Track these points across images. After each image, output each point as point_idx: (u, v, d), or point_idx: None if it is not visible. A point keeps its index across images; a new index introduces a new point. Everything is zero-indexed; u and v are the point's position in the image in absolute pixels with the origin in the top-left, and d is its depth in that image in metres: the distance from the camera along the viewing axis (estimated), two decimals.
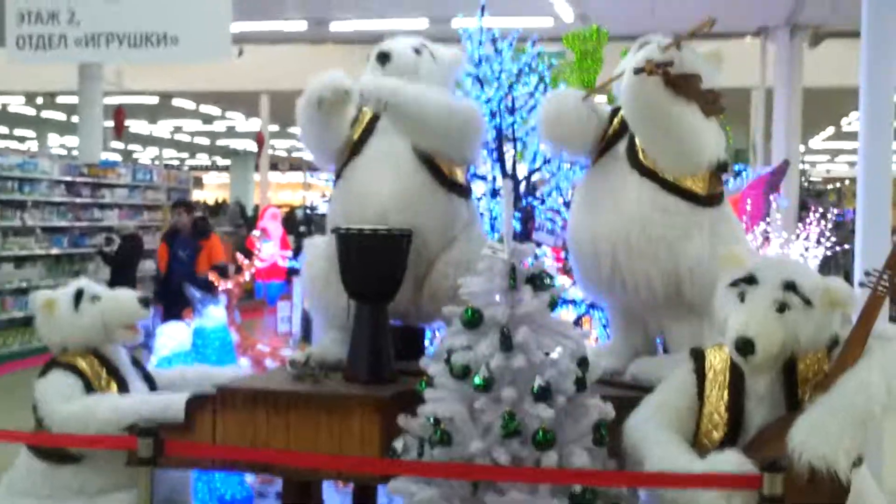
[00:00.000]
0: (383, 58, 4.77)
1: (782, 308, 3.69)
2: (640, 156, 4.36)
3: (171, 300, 10.66)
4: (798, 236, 7.18)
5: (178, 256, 11.70)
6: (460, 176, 4.82)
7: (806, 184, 14.73)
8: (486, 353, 3.70)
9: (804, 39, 12.63)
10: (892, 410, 3.57)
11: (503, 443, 3.62)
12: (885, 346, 3.65)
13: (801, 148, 28.43)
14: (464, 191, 4.87)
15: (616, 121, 4.51)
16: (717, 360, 3.90)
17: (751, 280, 3.76)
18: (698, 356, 3.96)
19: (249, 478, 5.92)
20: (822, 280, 3.83)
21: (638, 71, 4.06)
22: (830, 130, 27.66)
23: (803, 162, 24.70)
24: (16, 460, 4.85)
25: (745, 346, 3.63)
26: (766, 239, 6.93)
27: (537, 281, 3.81)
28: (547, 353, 3.74)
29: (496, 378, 3.68)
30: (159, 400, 4.59)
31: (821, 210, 8.61)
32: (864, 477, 3.81)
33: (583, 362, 3.81)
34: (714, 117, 4.33)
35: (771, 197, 7.97)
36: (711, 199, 4.39)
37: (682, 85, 4.14)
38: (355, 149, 4.75)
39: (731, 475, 3.41)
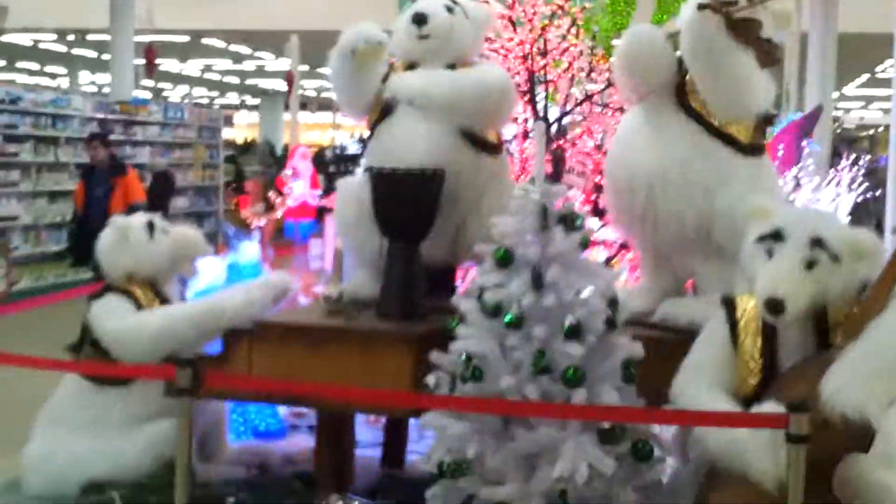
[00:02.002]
0: (419, 20, 4.80)
1: (810, 265, 3.69)
2: (689, 96, 4.37)
3: (87, 241, 10.23)
4: (829, 182, 7.16)
5: (94, 194, 10.93)
6: (492, 136, 4.88)
7: (839, 130, 14.59)
8: (518, 292, 3.76)
9: None
10: None
11: (533, 379, 3.70)
12: None
13: (835, 94, 28.22)
14: (494, 148, 4.91)
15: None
16: (749, 306, 3.92)
17: (777, 236, 3.77)
18: (729, 304, 3.98)
19: (283, 411, 6.04)
20: (849, 232, 3.84)
21: (702, 7, 4.07)
22: (864, 77, 27.32)
23: (836, 108, 24.43)
24: (56, 390, 4.99)
25: (775, 307, 3.65)
26: (798, 185, 6.92)
27: (568, 221, 3.86)
28: (577, 293, 3.80)
29: (527, 316, 3.74)
30: (204, 303, 4.80)
31: (853, 156, 8.57)
32: (892, 416, 3.86)
33: (613, 302, 3.87)
34: (767, 69, 4.35)
35: (803, 143, 7.94)
36: (753, 149, 4.41)
37: (744, 29, 4.16)
38: (386, 108, 4.79)
39: (757, 414, 3.47)
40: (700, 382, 3.81)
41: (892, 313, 3.58)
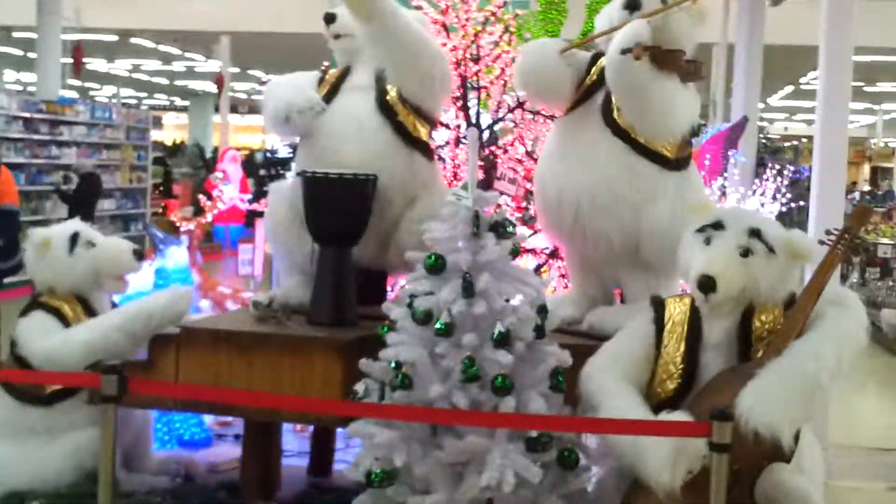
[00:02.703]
0: (328, 19, 4.85)
1: (746, 253, 3.81)
2: (615, 114, 4.42)
3: None
4: (754, 192, 7.30)
5: None
6: (424, 134, 4.86)
7: (764, 141, 14.87)
8: (448, 299, 3.76)
9: None
10: (840, 379, 3.69)
11: (463, 387, 3.70)
12: (839, 313, 3.73)
13: (761, 105, 28.73)
14: (426, 149, 4.91)
15: (594, 70, 4.54)
16: (677, 311, 3.99)
17: (717, 225, 3.89)
18: (659, 305, 4.05)
19: (209, 420, 5.97)
20: (786, 232, 3.95)
21: (625, 51, 4.11)
22: (789, 89, 27.87)
23: (762, 119, 24.89)
24: None
25: (707, 283, 3.74)
26: (724, 194, 7.04)
27: (500, 229, 3.88)
28: (507, 300, 3.82)
29: (457, 323, 3.75)
30: (130, 308, 4.64)
31: (777, 167, 8.73)
32: (804, 432, 3.94)
33: (542, 310, 3.89)
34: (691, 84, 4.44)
35: (728, 153, 8.07)
36: (679, 163, 4.48)
37: (667, 61, 4.24)
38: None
39: (681, 423, 3.51)
40: (612, 371, 3.87)
41: (813, 334, 3.66)
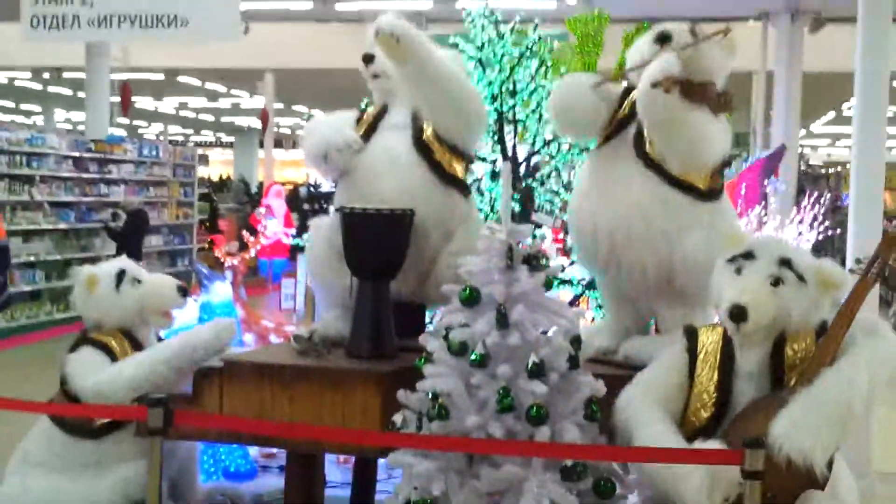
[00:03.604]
0: (366, 59, 4.92)
1: (777, 282, 3.84)
2: (647, 147, 4.48)
3: None
4: (792, 220, 7.31)
5: None
6: (459, 171, 4.96)
7: (804, 168, 14.81)
8: (483, 331, 3.84)
9: (805, 24, 12.71)
10: (873, 407, 3.72)
11: (498, 417, 3.77)
12: (871, 341, 3.76)
13: (802, 132, 28.56)
14: (463, 186, 5.01)
15: (626, 104, 4.60)
16: (710, 340, 4.03)
17: (748, 255, 3.93)
18: (692, 335, 4.09)
19: (253, 451, 6.08)
20: (816, 261, 3.98)
21: (655, 85, 4.19)
22: (832, 115, 27.70)
23: (802, 146, 24.78)
24: (31, 432, 5.01)
25: (738, 313, 3.77)
26: (761, 223, 7.05)
27: (533, 261, 3.95)
28: (542, 332, 3.89)
29: (492, 355, 3.82)
30: (174, 342, 4.79)
31: (816, 193, 8.72)
32: (836, 460, 3.96)
33: (576, 340, 3.95)
34: (722, 116, 4.50)
35: (766, 181, 8.09)
36: (711, 194, 4.52)
37: (697, 93, 4.31)
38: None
39: (714, 451, 3.56)
40: (646, 400, 3.92)
41: (845, 362, 3.69)
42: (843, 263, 4.83)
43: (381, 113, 5.03)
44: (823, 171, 18.13)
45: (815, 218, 7.24)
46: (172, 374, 4.71)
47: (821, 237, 7.16)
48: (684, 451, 3.59)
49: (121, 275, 5.01)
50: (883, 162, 6.95)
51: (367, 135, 4.94)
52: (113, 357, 4.86)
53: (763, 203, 7.52)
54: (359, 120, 5.04)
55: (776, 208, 8.46)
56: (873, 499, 6.38)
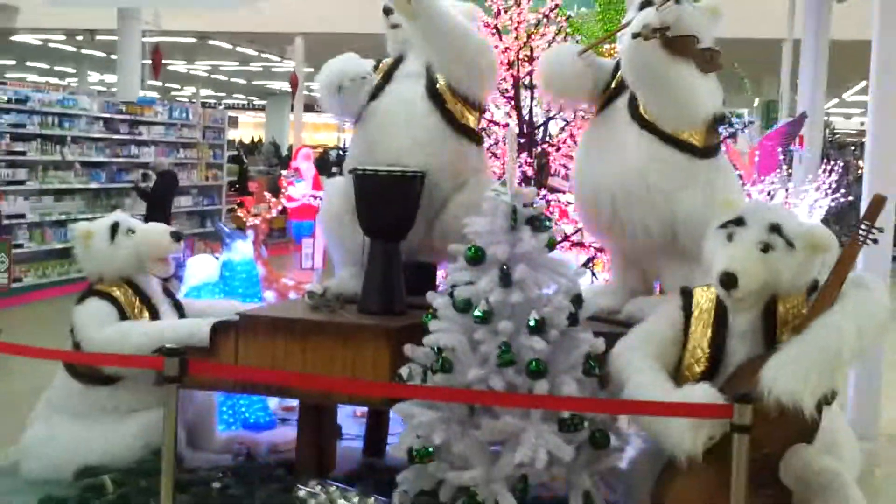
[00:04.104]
0: (386, 11, 5.08)
1: (766, 248, 3.96)
2: (641, 109, 4.60)
3: None
4: (809, 188, 7.35)
5: None
6: (472, 121, 5.09)
7: (830, 136, 14.74)
8: (487, 289, 4.00)
9: None
10: (861, 355, 3.84)
11: (499, 371, 3.94)
12: (859, 293, 3.88)
13: (835, 100, 28.30)
14: (475, 136, 5.14)
15: (619, 75, 4.73)
16: (705, 299, 4.17)
17: (739, 222, 4.04)
18: (686, 294, 4.23)
19: (272, 404, 6.26)
20: (806, 225, 4.09)
21: (635, 35, 4.30)
22: (863, 84, 27.47)
23: (830, 114, 24.58)
24: (55, 380, 5.24)
25: (728, 280, 3.90)
26: (777, 190, 7.11)
27: (536, 222, 4.10)
28: (543, 290, 4.03)
29: (495, 311, 3.98)
30: (186, 325, 4.95)
31: (840, 162, 8.74)
32: (836, 416, 4.08)
33: (576, 299, 4.10)
34: (712, 72, 4.58)
35: (789, 148, 8.12)
36: (707, 151, 4.63)
37: (679, 46, 4.41)
38: (373, 94, 5.05)
39: (704, 405, 3.69)
40: (640, 350, 4.07)
41: (835, 313, 3.80)
42: None
43: (397, 62, 5.17)
44: (848, 139, 17.97)
45: (837, 184, 7.29)
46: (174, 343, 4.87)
47: (834, 204, 7.22)
48: (674, 404, 3.72)
49: (114, 227, 5.20)
50: None
51: (383, 83, 5.08)
52: (118, 306, 5.06)
53: (779, 170, 7.58)
54: (375, 68, 5.18)
55: (801, 175, 8.50)
56: (881, 461, 6.48)
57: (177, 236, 5.27)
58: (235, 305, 5.35)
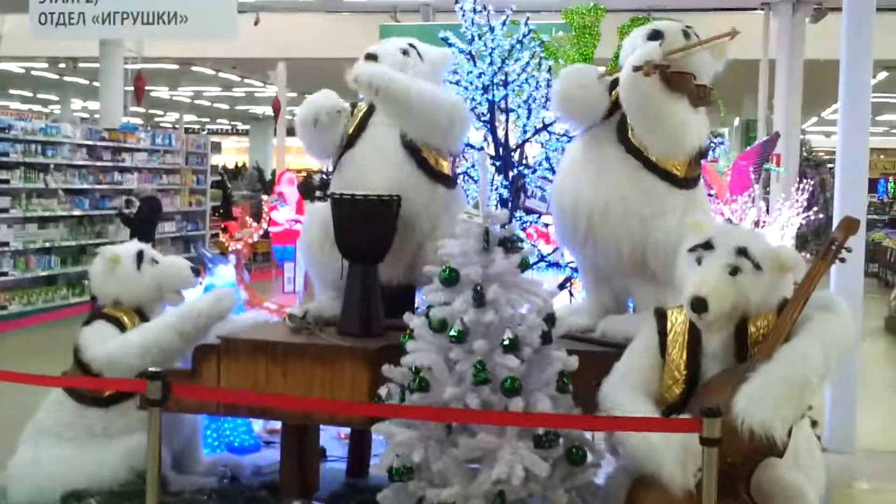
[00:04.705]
0: (371, 59, 5.15)
1: (734, 271, 4.07)
2: (629, 133, 4.72)
3: None
4: (782, 206, 7.50)
5: None
6: (445, 167, 5.23)
7: (805, 155, 14.93)
8: (461, 309, 4.10)
9: (807, 14, 12.84)
10: (829, 380, 3.96)
11: (475, 390, 4.03)
12: (825, 317, 4.00)
13: (814, 119, 28.56)
14: (448, 180, 5.27)
15: (614, 94, 4.81)
16: (678, 321, 4.28)
17: (707, 246, 4.16)
18: (661, 316, 4.34)
19: (257, 427, 6.33)
20: (772, 246, 4.22)
21: (636, 69, 4.43)
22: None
23: (805, 133, 24.82)
24: (43, 404, 5.32)
25: (699, 305, 4.02)
26: (750, 208, 7.25)
27: (508, 244, 4.20)
28: (516, 309, 4.13)
29: (470, 331, 4.08)
30: (179, 309, 5.17)
31: (813, 180, 8.90)
32: (803, 429, 4.19)
33: (549, 318, 4.20)
34: (702, 108, 4.73)
35: (754, 167, 8.27)
36: (687, 182, 4.77)
37: (677, 82, 4.55)
38: (349, 142, 5.20)
39: (675, 419, 3.80)
40: (625, 387, 4.17)
41: (801, 340, 3.92)
42: None
43: (372, 108, 5.27)
44: (824, 157, 18.11)
45: (808, 201, 7.42)
46: (177, 339, 5.04)
47: (805, 222, 7.36)
48: (647, 420, 3.83)
49: (140, 254, 5.38)
50: (866, 149, 7.13)
51: (359, 129, 5.19)
52: (123, 331, 5.21)
53: (752, 189, 7.71)
54: (351, 113, 5.30)
55: (779, 193, 8.64)
56: (858, 475, 6.58)
57: (195, 272, 5.51)
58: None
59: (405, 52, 5.24)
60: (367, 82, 4.95)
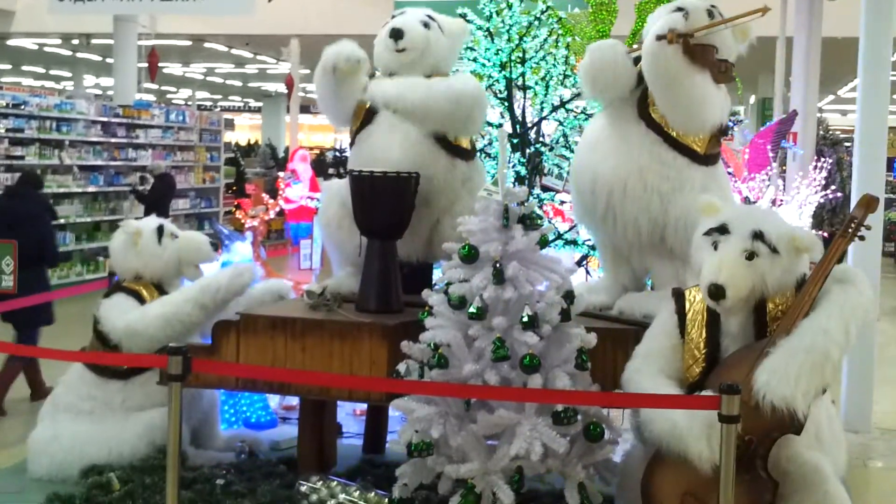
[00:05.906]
0: (396, 35, 5.16)
1: (751, 256, 4.05)
2: (650, 108, 4.71)
3: None
4: (804, 184, 7.46)
5: None
6: (465, 143, 5.24)
7: (822, 133, 14.81)
8: (481, 286, 4.10)
9: None
10: (849, 351, 3.95)
11: (493, 366, 4.05)
12: (844, 290, 3.98)
13: (831, 97, 28.37)
14: (468, 154, 5.27)
15: (638, 70, 4.78)
16: (697, 300, 4.26)
17: (723, 230, 4.13)
18: (679, 296, 4.32)
19: (273, 403, 6.36)
20: (788, 228, 4.19)
21: (660, 37, 4.41)
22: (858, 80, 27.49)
23: (823, 111, 24.66)
24: (62, 379, 5.37)
25: (716, 292, 4.00)
26: (766, 187, 7.22)
27: (528, 221, 4.20)
28: (535, 286, 4.13)
29: (489, 308, 4.09)
30: (199, 282, 5.25)
31: (831, 158, 8.86)
32: (826, 408, 4.19)
33: (568, 295, 4.21)
34: (723, 84, 4.71)
35: (772, 146, 8.24)
36: (707, 159, 4.75)
37: (699, 54, 4.54)
38: (367, 117, 5.17)
39: (693, 397, 3.80)
40: (647, 369, 4.16)
41: (821, 313, 3.91)
42: None
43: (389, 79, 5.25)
44: (841, 136, 17.94)
45: (822, 182, 7.38)
46: (197, 312, 5.09)
47: (823, 201, 7.32)
48: (665, 397, 3.83)
49: (160, 229, 5.43)
50: (885, 127, 7.09)
51: (375, 106, 5.17)
52: (143, 304, 5.28)
53: (770, 167, 7.68)
54: (366, 89, 5.27)
55: (795, 172, 8.60)
56: (873, 454, 6.58)
57: (214, 245, 5.59)
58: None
59: (426, 25, 5.21)
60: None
